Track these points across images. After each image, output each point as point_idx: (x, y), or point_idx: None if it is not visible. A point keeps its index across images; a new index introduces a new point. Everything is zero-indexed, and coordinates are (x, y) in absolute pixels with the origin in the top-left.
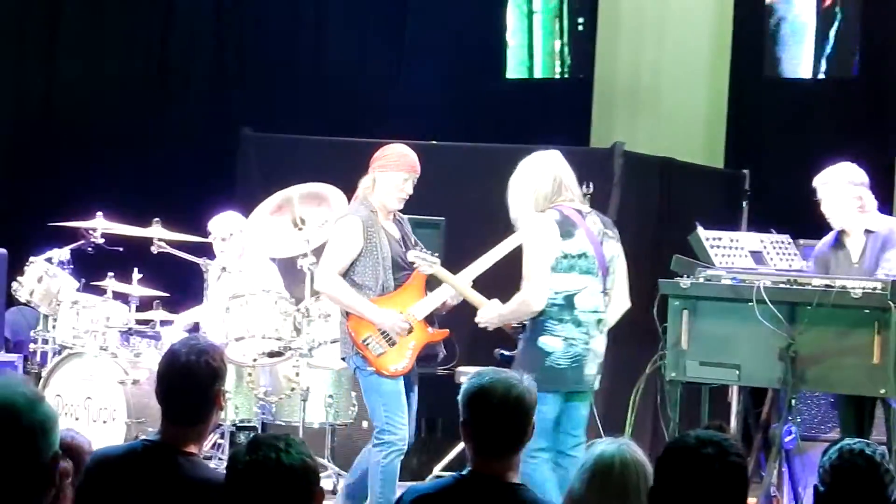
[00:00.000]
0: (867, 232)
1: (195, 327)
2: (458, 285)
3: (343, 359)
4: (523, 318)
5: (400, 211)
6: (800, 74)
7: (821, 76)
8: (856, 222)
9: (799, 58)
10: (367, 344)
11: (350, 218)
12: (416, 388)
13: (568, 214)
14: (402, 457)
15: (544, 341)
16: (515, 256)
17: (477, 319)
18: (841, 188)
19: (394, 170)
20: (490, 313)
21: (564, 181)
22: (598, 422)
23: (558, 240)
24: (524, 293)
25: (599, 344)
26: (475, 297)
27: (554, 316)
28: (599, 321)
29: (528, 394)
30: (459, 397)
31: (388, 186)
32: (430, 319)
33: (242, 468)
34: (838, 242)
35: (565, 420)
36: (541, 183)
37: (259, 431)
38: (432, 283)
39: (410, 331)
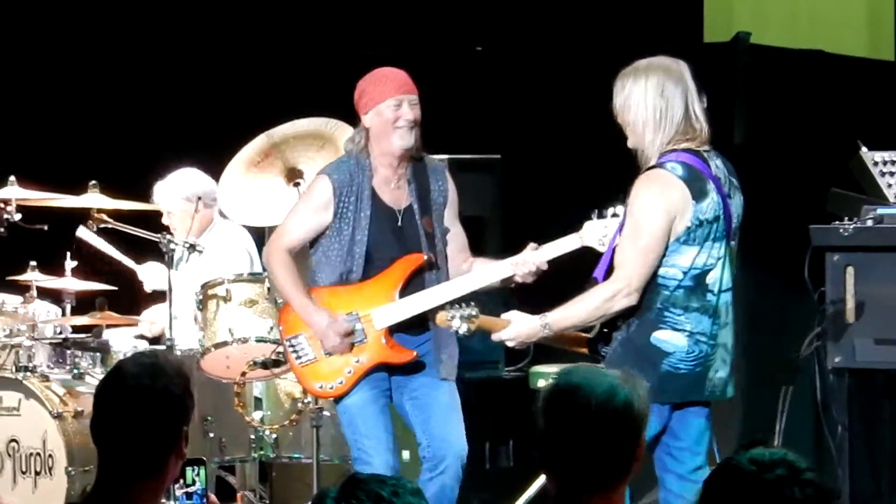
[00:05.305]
0: None
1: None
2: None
3: None
4: (605, 318)
5: (417, 155)
6: None
7: None
8: None
9: None
10: (294, 346)
11: (319, 179)
12: (452, 391)
13: (693, 164)
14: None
15: (662, 337)
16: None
17: (505, 336)
18: None
19: (377, 101)
20: (529, 324)
21: (696, 110)
22: (715, 445)
23: (689, 203)
24: (615, 282)
25: (729, 336)
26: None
27: (678, 303)
28: (728, 304)
29: (639, 400)
30: (536, 407)
31: (379, 125)
32: (397, 330)
33: None
34: None
35: (681, 434)
36: (672, 107)
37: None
38: (417, 282)
39: (352, 346)
